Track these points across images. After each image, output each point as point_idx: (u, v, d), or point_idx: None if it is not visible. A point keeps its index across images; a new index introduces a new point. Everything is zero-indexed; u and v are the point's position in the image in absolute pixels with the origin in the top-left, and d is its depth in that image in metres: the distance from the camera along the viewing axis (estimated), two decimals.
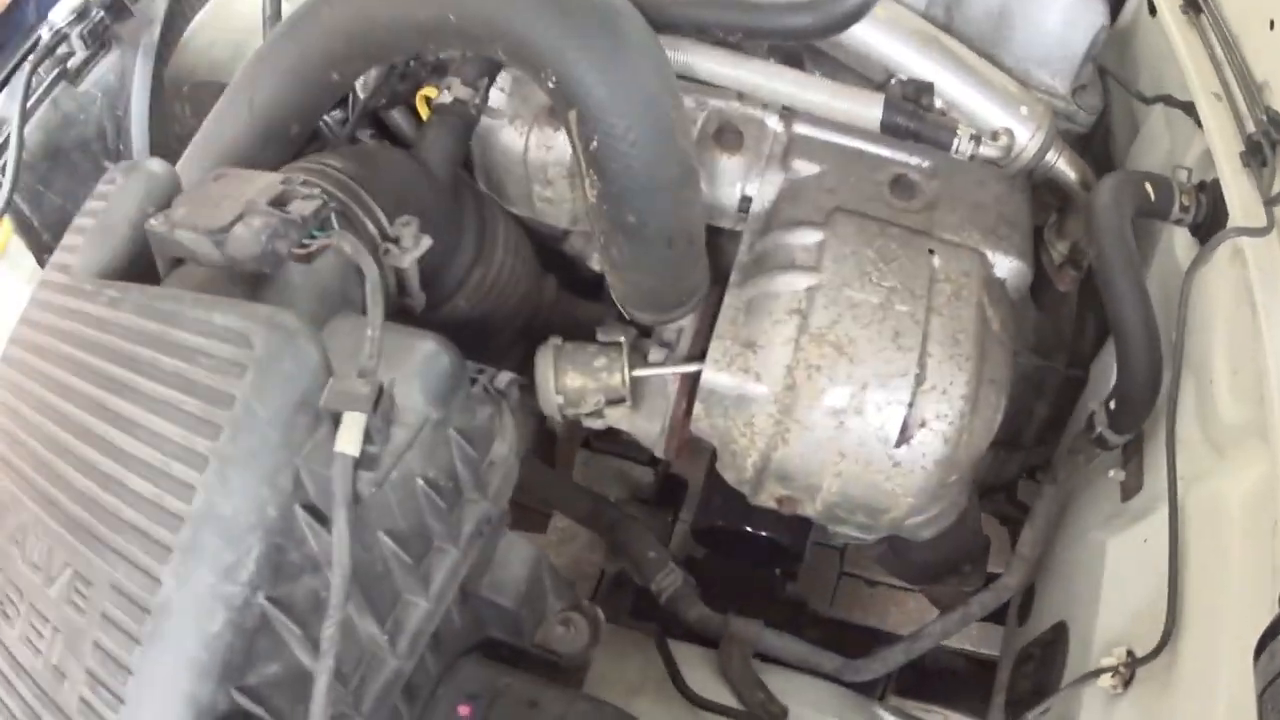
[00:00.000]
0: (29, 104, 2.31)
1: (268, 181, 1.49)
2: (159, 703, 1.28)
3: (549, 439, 2.96)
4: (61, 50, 2.41)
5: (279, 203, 1.44)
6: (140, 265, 1.52)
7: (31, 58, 2.33)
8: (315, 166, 1.81)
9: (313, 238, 1.44)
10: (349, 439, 1.22)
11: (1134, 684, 1.73)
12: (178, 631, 1.27)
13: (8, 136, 2.24)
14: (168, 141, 2.48)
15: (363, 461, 1.23)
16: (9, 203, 2.20)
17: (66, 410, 1.43)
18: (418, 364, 1.45)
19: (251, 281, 1.50)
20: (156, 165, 1.58)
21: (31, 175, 2.38)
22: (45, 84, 2.41)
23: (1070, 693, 1.87)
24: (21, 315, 1.60)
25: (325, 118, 2.23)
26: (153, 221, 1.47)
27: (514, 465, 1.73)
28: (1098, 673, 1.77)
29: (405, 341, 1.48)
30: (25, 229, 2.40)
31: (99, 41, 2.47)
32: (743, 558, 2.67)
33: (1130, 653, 1.74)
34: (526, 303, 2.30)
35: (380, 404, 1.23)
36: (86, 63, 2.45)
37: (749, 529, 2.50)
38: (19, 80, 2.28)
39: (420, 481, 1.49)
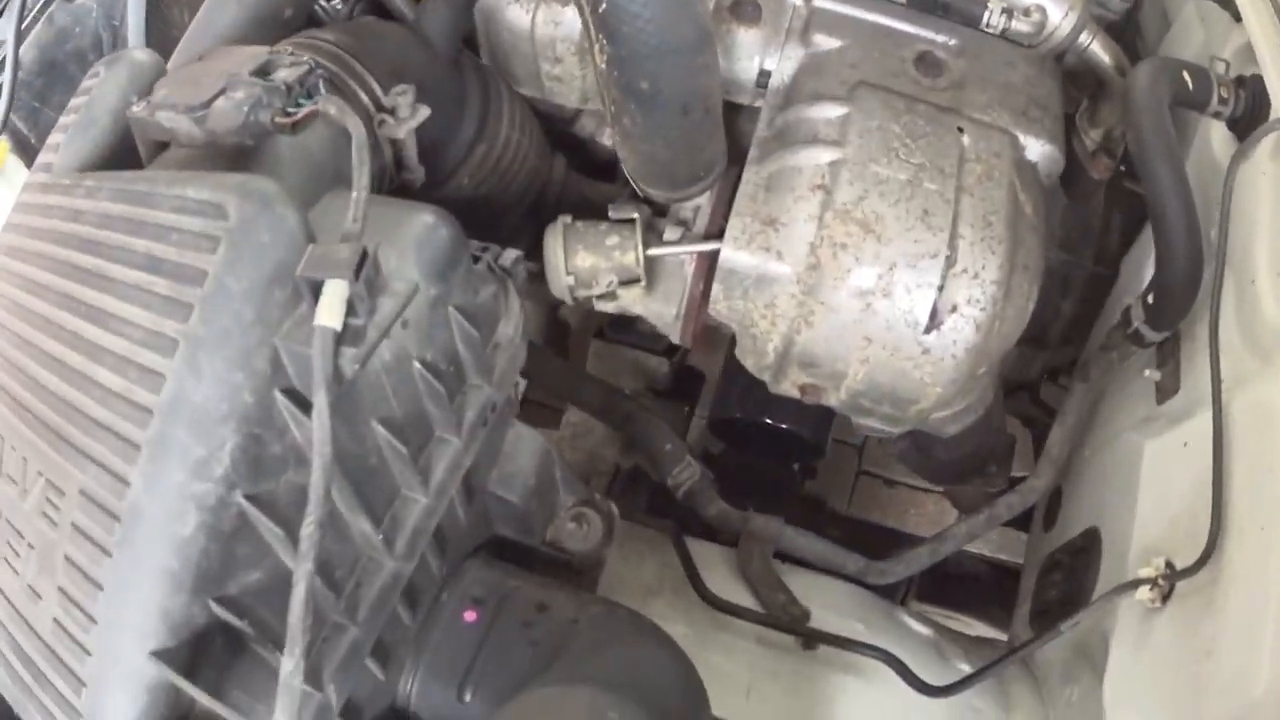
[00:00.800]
0: (24, 24, 2.27)
1: (252, 53, 1.42)
2: (130, 620, 1.20)
3: (562, 331, 2.90)
4: None
5: (263, 73, 1.37)
6: (123, 156, 1.45)
7: None
8: (306, 41, 1.73)
9: (299, 106, 1.36)
10: (330, 310, 1.10)
11: (1173, 599, 1.68)
12: (147, 538, 1.18)
13: (3, 59, 2.18)
14: (167, 47, 2.42)
15: (345, 336, 1.12)
16: (5, 122, 2.14)
17: (39, 308, 1.34)
18: (414, 236, 1.36)
19: (234, 157, 1.40)
20: (141, 54, 1.50)
21: (28, 92, 2.34)
22: (41, 3, 2.36)
23: (1104, 605, 1.81)
24: (5, 221, 1.52)
25: (323, 4, 2.17)
26: (134, 108, 1.40)
27: (520, 348, 1.64)
28: (1134, 584, 1.71)
29: (401, 214, 1.39)
30: (23, 147, 2.36)
31: None
32: (761, 451, 2.63)
33: (1169, 564, 1.69)
34: (535, 181, 2.23)
35: (363, 270, 1.12)
36: None
37: (768, 420, 2.46)
38: (14, 2, 2.23)
39: (417, 364, 1.38)
